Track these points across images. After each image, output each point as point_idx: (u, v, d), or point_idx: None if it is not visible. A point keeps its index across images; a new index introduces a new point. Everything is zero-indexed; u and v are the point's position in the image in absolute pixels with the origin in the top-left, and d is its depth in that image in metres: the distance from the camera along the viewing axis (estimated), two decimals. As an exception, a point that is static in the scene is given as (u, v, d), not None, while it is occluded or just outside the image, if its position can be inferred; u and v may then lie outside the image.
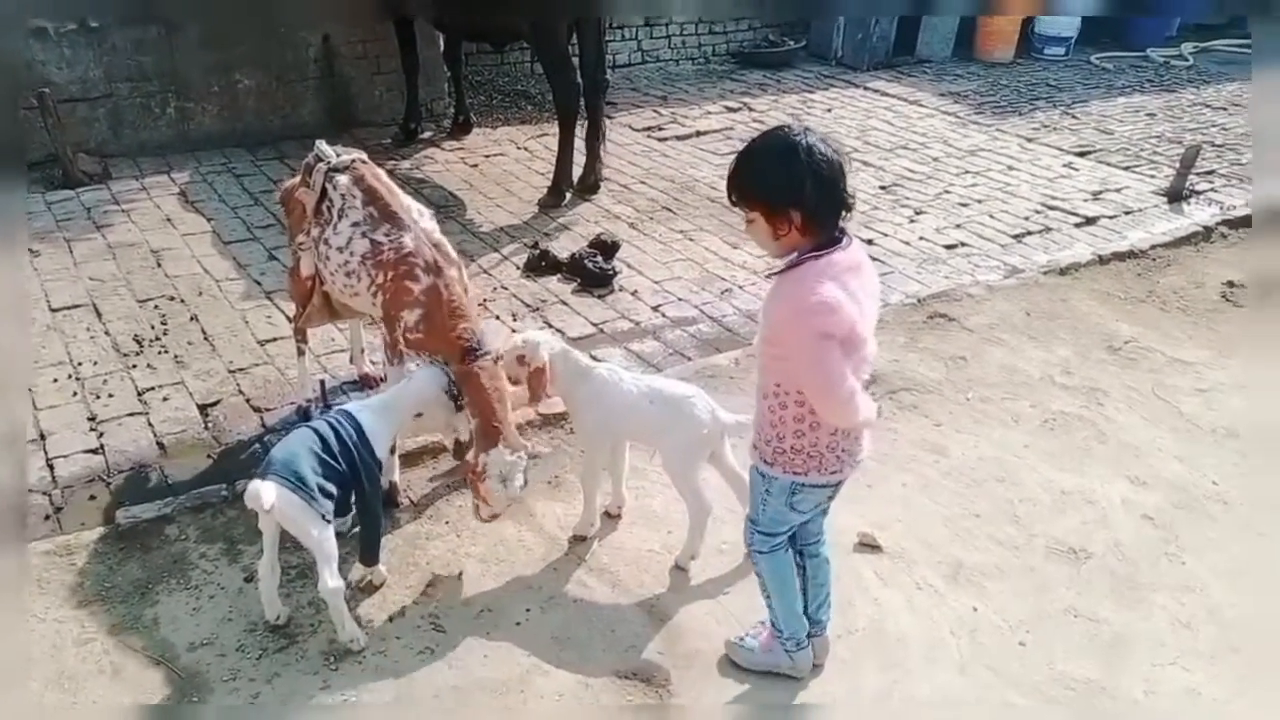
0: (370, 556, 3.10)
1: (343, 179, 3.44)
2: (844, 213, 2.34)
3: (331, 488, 2.83)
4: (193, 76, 6.63)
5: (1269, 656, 3.03)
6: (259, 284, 4.96)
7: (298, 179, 3.67)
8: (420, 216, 3.42)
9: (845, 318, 2.28)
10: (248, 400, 4.07)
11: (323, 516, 2.79)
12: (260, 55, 6.81)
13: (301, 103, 7.05)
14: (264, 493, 2.68)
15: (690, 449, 3.13)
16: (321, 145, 3.57)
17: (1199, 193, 6.54)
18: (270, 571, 2.91)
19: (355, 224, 3.37)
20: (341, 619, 2.88)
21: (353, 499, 2.99)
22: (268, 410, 4.00)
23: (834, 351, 2.29)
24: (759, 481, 2.65)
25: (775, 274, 2.41)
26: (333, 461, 2.86)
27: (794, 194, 2.27)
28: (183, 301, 4.79)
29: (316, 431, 2.90)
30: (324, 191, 3.45)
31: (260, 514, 2.76)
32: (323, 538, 2.80)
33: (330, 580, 2.80)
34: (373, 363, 4.10)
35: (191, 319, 4.65)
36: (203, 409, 4.01)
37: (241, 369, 4.28)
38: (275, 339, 4.48)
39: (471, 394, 3.15)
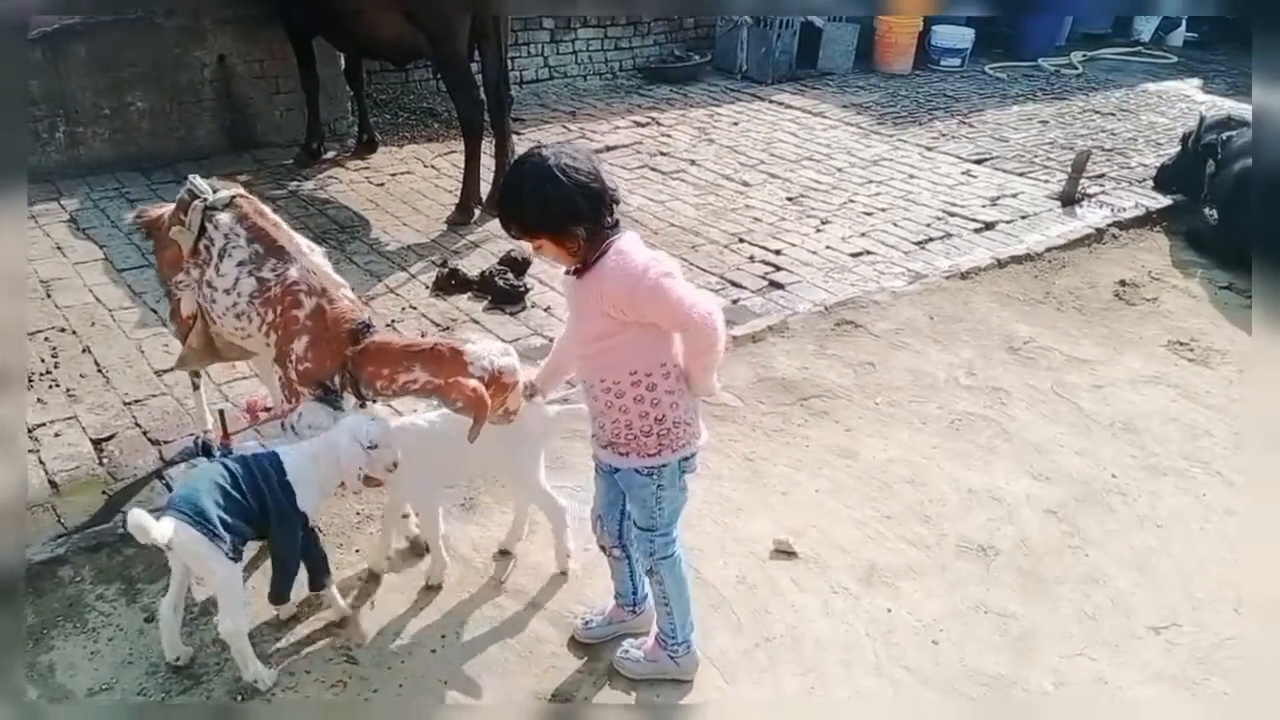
0: (277, 595, 2.95)
1: (224, 217, 3.24)
2: (616, 208, 2.44)
3: (239, 523, 2.71)
4: (82, 100, 6.40)
5: (1171, 642, 3.15)
6: (154, 312, 4.78)
7: (161, 209, 3.52)
8: (310, 251, 3.22)
9: (671, 262, 2.42)
10: (145, 433, 3.92)
11: (226, 554, 2.66)
12: (153, 77, 6.61)
13: (198, 124, 6.86)
14: (152, 528, 2.54)
15: (531, 453, 3.10)
16: (195, 180, 3.36)
17: (1090, 196, 6.78)
18: (172, 611, 2.80)
19: (240, 263, 3.19)
20: (245, 660, 2.78)
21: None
22: (166, 443, 3.86)
23: (683, 284, 2.40)
24: (645, 484, 2.65)
25: (574, 272, 2.49)
26: (240, 497, 2.72)
27: (570, 214, 2.35)
28: (74, 333, 4.60)
29: (225, 466, 2.77)
30: (203, 229, 3.26)
31: (168, 551, 2.65)
32: (225, 575, 2.68)
33: (229, 621, 2.70)
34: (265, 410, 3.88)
35: (84, 351, 4.47)
36: (97, 444, 3.85)
37: (138, 401, 4.13)
38: (172, 369, 4.33)
39: (383, 358, 2.93)
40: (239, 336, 3.31)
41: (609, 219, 2.42)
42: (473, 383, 2.74)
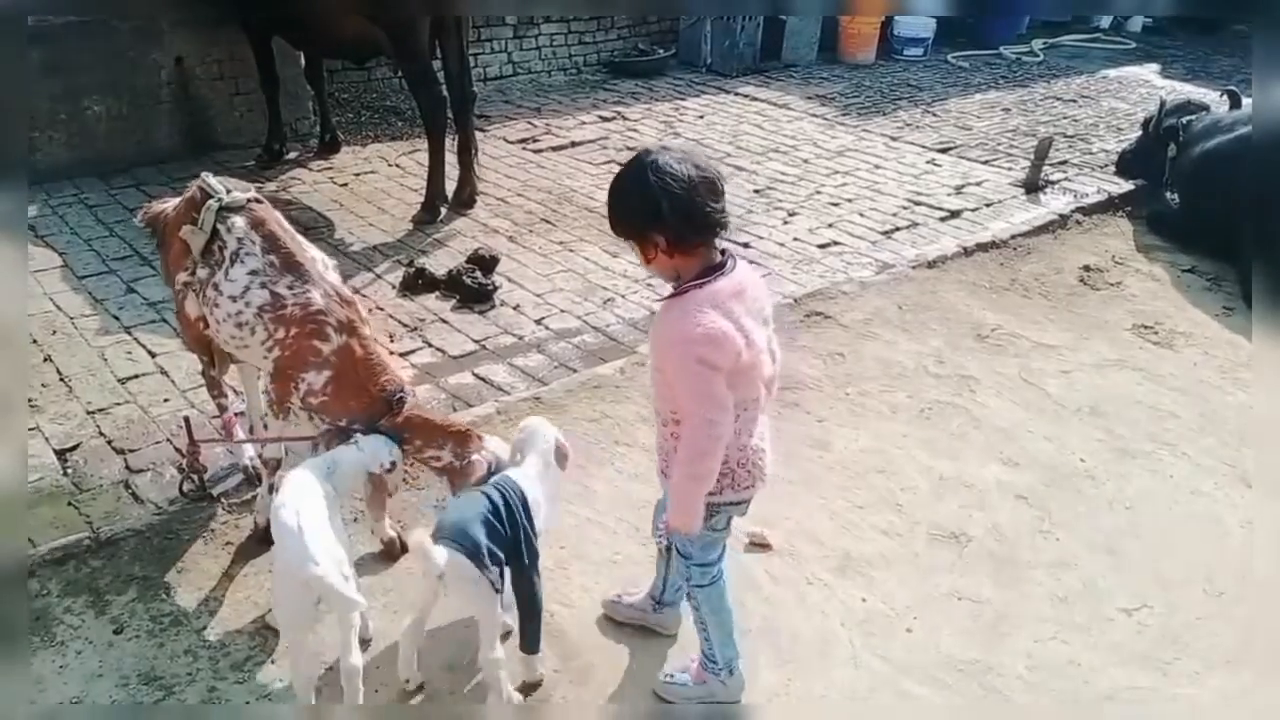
0: (532, 645, 2.86)
1: (239, 220, 3.12)
2: (711, 232, 2.29)
3: (501, 555, 2.67)
4: (37, 105, 6.27)
5: (1142, 623, 3.19)
6: (117, 319, 4.71)
7: (166, 204, 3.44)
8: (325, 269, 3.16)
9: (729, 349, 2.27)
10: (109, 442, 3.86)
11: (491, 584, 2.61)
12: (110, 80, 6.49)
13: (156, 127, 6.74)
14: (436, 555, 2.51)
15: None
16: (208, 178, 3.24)
17: (1053, 183, 6.85)
18: (415, 633, 2.77)
19: (253, 272, 3.06)
20: (500, 686, 2.73)
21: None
22: (132, 451, 3.80)
23: (718, 384, 2.28)
24: None
25: (661, 300, 2.40)
26: (501, 528, 2.67)
27: (651, 218, 2.25)
28: (35, 342, 4.51)
29: (489, 497, 2.71)
30: (214, 231, 3.14)
31: (424, 577, 2.61)
32: (488, 607, 2.64)
33: (491, 651, 2.68)
34: (238, 413, 3.79)
35: (45, 359, 4.38)
36: (60, 454, 3.78)
37: (101, 409, 4.06)
38: (136, 376, 4.27)
39: (420, 430, 2.99)
40: (234, 345, 3.20)
41: (701, 242, 2.29)
42: (479, 458, 2.96)
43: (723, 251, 2.37)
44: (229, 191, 3.19)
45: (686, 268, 2.33)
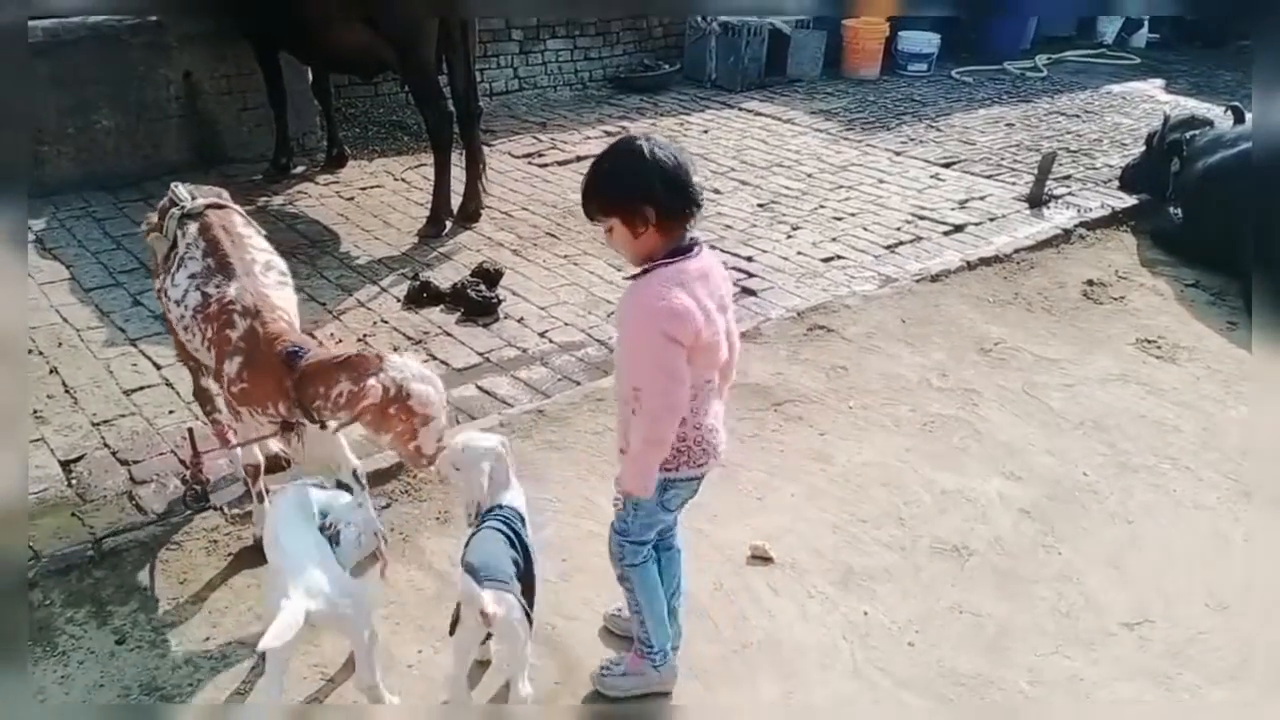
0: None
1: (191, 227, 3.18)
2: (694, 209, 2.43)
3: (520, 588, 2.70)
4: (46, 119, 6.32)
5: (1144, 638, 3.18)
6: (123, 331, 4.74)
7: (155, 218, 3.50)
8: (265, 270, 3.13)
9: (692, 325, 2.38)
10: (114, 453, 3.87)
11: (528, 615, 2.62)
12: (118, 95, 6.55)
13: (165, 141, 6.79)
14: (486, 600, 2.48)
15: None
16: (176, 187, 3.32)
17: (1057, 197, 6.85)
18: (467, 691, 2.73)
19: (192, 276, 3.11)
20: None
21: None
22: (136, 463, 3.81)
23: (677, 357, 2.39)
24: None
25: (629, 278, 2.51)
26: (519, 560, 2.70)
27: (645, 191, 2.37)
28: (41, 354, 4.54)
29: (503, 533, 2.71)
30: (175, 239, 3.21)
31: (467, 621, 2.57)
32: (525, 639, 2.63)
33: (525, 688, 2.69)
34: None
35: (51, 372, 4.41)
36: (65, 465, 3.80)
37: (106, 421, 4.08)
38: (141, 388, 4.30)
39: (317, 377, 2.78)
40: (190, 349, 3.26)
41: (683, 220, 2.42)
42: (374, 382, 2.67)
43: (693, 239, 2.49)
44: (193, 199, 3.25)
45: (663, 245, 2.43)
